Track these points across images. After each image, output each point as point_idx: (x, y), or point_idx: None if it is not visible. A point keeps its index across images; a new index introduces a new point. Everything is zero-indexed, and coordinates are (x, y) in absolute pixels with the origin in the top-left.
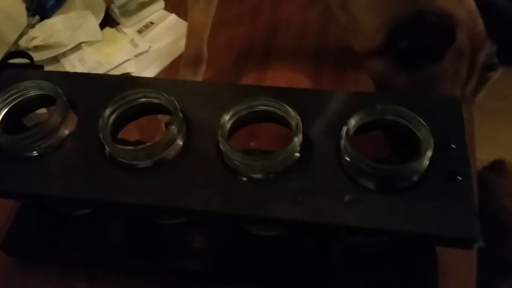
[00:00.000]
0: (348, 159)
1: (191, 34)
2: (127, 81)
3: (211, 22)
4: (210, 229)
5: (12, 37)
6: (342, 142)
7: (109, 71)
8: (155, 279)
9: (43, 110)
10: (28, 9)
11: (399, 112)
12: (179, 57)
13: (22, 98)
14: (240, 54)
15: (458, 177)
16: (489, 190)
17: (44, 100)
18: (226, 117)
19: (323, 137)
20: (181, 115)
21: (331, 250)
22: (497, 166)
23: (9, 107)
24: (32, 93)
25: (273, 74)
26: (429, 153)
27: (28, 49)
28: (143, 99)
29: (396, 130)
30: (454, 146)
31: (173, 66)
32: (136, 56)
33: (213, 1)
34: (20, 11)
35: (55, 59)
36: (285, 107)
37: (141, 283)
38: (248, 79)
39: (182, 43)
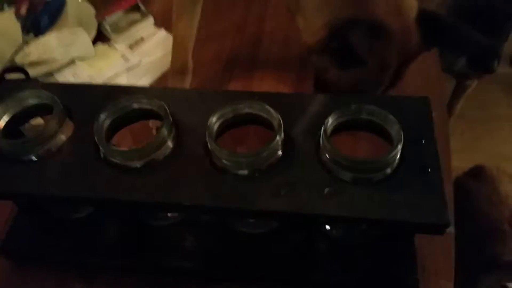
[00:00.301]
0: (327, 155)
1: (176, 46)
2: (120, 90)
3: (196, 35)
4: (200, 229)
5: (8, 54)
6: (321, 139)
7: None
8: (149, 278)
9: (39, 121)
10: (23, 27)
11: (372, 111)
12: (168, 70)
13: (21, 107)
14: (227, 65)
15: (428, 169)
16: (468, 195)
17: (42, 109)
18: (213, 118)
19: (303, 136)
20: (171, 119)
21: (315, 245)
22: (476, 172)
23: (9, 115)
24: (31, 102)
25: (258, 83)
26: (399, 146)
27: (24, 65)
28: (135, 105)
29: (370, 128)
30: (424, 142)
31: (164, 78)
32: (128, 69)
33: (195, 14)
34: (15, 29)
35: (50, 74)
36: (267, 108)
37: (136, 282)
38: (234, 87)
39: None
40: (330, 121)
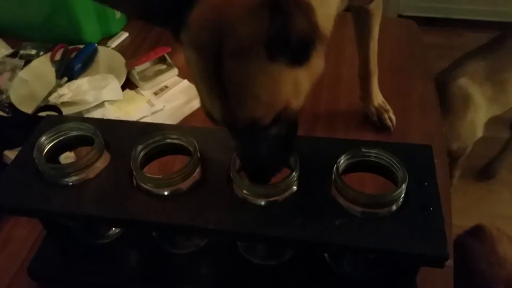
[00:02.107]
0: (338, 190)
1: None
2: (153, 127)
3: None
4: (216, 259)
5: (42, 95)
6: (333, 176)
7: None
8: None
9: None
10: (57, 71)
11: (380, 154)
12: (190, 115)
13: (63, 137)
14: None
15: (430, 208)
16: (467, 254)
17: (83, 140)
18: (234, 161)
19: (317, 174)
20: (198, 154)
21: (322, 280)
22: (477, 231)
23: (53, 143)
24: (74, 133)
25: None
26: (404, 186)
27: (57, 104)
28: (168, 140)
29: (377, 170)
30: (426, 184)
31: (185, 122)
32: (152, 113)
33: None
34: (50, 73)
35: (80, 114)
36: None
37: None
38: None
39: (193, 104)
40: (342, 160)
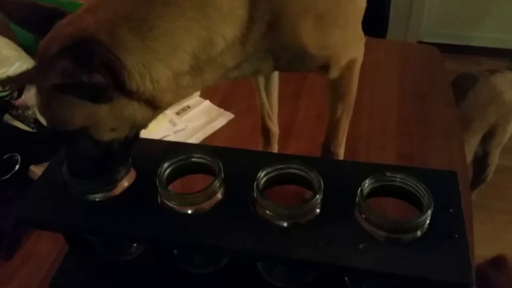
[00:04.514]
0: (362, 214)
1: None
2: (178, 146)
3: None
4: (236, 280)
5: None
6: (357, 199)
7: None
8: None
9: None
10: None
11: (405, 179)
12: (211, 135)
13: None
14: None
15: (455, 235)
16: (485, 283)
17: None
18: (261, 174)
19: (340, 197)
20: (223, 175)
21: None
22: (497, 261)
23: None
24: None
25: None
26: (429, 212)
27: None
28: (193, 159)
29: (403, 194)
30: (452, 210)
31: (206, 142)
32: (175, 132)
33: (264, 85)
34: None
35: None
36: (310, 171)
37: None
38: None
39: (215, 124)
40: (366, 184)
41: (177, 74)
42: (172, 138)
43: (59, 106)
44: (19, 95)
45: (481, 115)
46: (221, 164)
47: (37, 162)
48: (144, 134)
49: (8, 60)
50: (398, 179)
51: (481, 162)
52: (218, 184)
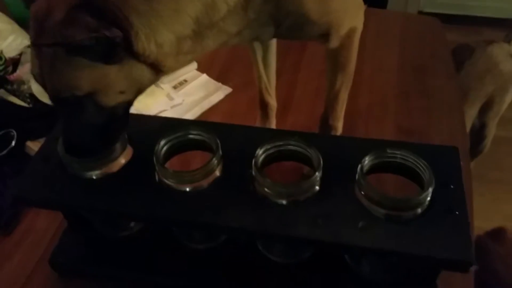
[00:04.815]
0: (362, 191)
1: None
2: (175, 122)
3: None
4: (234, 255)
5: None
6: (357, 176)
7: None
8: None
9: None
10: None
11: (406, 156)
12: (210, 110)
13: None
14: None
15: (456, 211)
16: (484, 254)
17: None
18: (259, 151)
19: (340, 173)
20: (221, 152)
21: (343, 279)
22: (497, 233)
23: None
24: None
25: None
26: (430, 189)
27: None
28: (191, 136)
29: (403, 171)
30: (452, 186)
31: (203, 116)
32: (172, 107)
33: (262, 57)
34: None
35: None
36: (309, 148)
37: None
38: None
39: (212, 98)
40: (366, 160)
41: (179, 38)
42: (169, 113)
43: (66, 70)
44: (14, 70)
45: (478, 85)
46: (218, 141)
47: (34, 137)
48: (141, 108)
49: (1, 34)
50: (398, 156)
51: (478, 133)
52: (216, 161)
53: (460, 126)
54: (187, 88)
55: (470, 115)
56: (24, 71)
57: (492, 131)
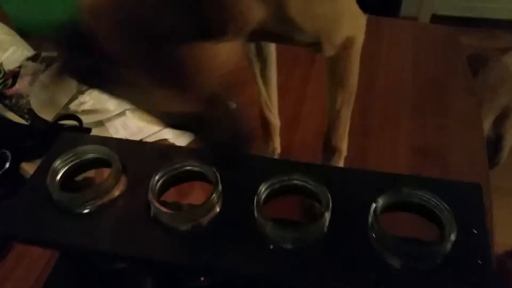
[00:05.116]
0: (375, 235)
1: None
2: (173, 150)
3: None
4: None
5: (63, 101)
6: (370, 219)
7: (148, 136)
8: None
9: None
10: None
11: (424, 196)
12: None
13: (79, 160)
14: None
15: (479, 261)
16: (505, 275)
17: (99, 163)
18: (262, 188)
19: (350, 214)
20: (220, 186)
21: None
22: None
23: (66, 167)
24: (90, 156)
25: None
26: (452, 238)
27: (77, 112)
28: (188, 167)
29: (421, 212)
30: (475, 231)
31: None
32: None
33: (260, 71)
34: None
35: (101, 123)
36: (317, 184)
37: None
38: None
39: None
40: (381, 201)
41: None
42: (170, 130)
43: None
44: (13, 83)
45: (492, 96)
46: (218, 174)
47: (29, 159)
48: (143, 125)
49: (2, 45)
50: (416, 197)
51: (494, 145)
52: (215, 197)
53: (479, 146)
54: None
55: (483, 127)
56: (23, 84)
57: (509, 142)
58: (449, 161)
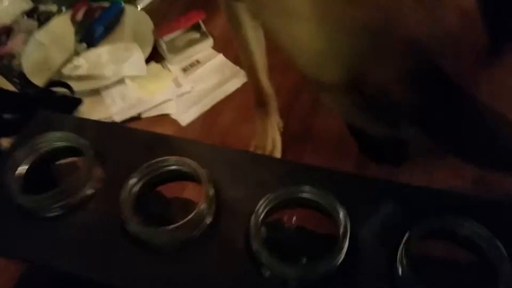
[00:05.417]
0: (403, 275)
1: (248, 75)
2: (161, 140)
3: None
4: None
5: (58, 62)
6: (399, 252)
7: (148, 109)
8: None
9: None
10: (77, 34)
11: (475, 229)
12: (222, 102)
13: (48, 148)
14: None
15: None
16: None
17: (71, 152)
18: (260, 206)
19: (372, 241)
20: (212, 192)
21: None
22: None
23: (35, 157)
24: (59, 144)
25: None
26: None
27: (71, 78)
28: (173, 167)
29: (468, 247)
30: None
31: (215, 110)
32: (178, 96)
33: (253, 39)
34: (69, 35)
35: (96, 92)
36: (336, 205)
37: None
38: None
39: (227, 86)
40: (415, 233)
41: None
42: (174, 103)
43: None
44: (6, 40)
45: None
46: (208, 177)
47: (8, 133)
48: (143, 96)
49: None
50: (464, 229)
51: None
52: (205, 208)
53: None
54: (198, 71)
55: None
56: (16, 43)
57: None
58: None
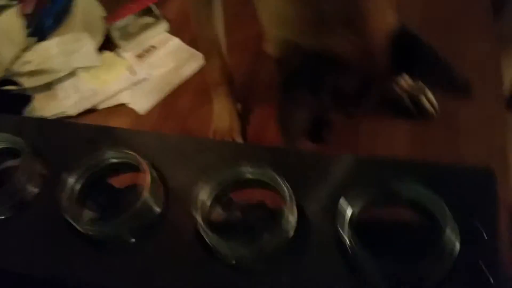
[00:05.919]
0: (351, 244)
1: (207, 55)
2: (105, 133)
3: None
4: None
5: (8, 57)
6: (345, 221)
7: (103, 100)
8: None
9: None
10: (26, 27)
11: (418, 192)
12: (180, 87)
13: None
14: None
15: (483, 266)
16: None
17: (11, 153)
18: (205, 193)
19: (321, 213)
20: (154, 180)
21: None
22: None
23: None
24: None
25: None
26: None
27: (22, 74)
28: (113, 160)
29: (414, 211)
30: (485, 234)
31: (173, 95)
32: (134, 84)
33: (213, 19)
34: (18, 29)
35: (48, 86)
36: (276, 178)
37: None
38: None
39: (184, 71)
40: (354, 210)
41: None
42: (129, 93)
43: None
44: None
45: None
46: (147, 164)
47: None
48: (97, 86)
49: None
50: (406, 193)
51: None
52: (149, 196)
53: (497, 102)
54: (154, 57)
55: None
56: None
57: None
58: (460, 121)
